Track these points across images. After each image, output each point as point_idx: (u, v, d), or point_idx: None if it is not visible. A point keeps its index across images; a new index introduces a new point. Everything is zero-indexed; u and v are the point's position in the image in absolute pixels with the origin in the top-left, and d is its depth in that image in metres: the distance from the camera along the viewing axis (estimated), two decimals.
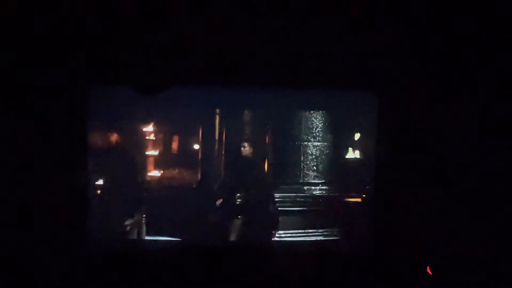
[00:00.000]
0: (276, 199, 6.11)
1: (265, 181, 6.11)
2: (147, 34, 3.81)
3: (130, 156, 5.40)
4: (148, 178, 6.25)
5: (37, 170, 3.76)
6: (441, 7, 3.75)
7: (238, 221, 5.36)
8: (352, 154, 6.41)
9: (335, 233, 5.88)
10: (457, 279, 3.71)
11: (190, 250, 4.14)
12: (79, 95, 3.87)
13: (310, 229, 6.02)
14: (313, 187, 6.52)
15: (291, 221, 6.07)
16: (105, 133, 5.13)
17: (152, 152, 6.32)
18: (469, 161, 3.82)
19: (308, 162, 6.55)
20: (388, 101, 4.01)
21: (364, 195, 5.87)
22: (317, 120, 6.56)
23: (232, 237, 5.31)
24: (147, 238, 5.42)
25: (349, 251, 4.36)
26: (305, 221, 6.11)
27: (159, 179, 6.30)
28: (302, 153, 6.55)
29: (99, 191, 5.02)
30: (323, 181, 6.54)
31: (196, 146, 6.56)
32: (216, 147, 6.64)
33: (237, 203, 5.53)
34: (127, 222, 5.11)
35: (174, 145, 6.60)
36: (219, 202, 5.55)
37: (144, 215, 5.47)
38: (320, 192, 6.50)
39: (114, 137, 5.25)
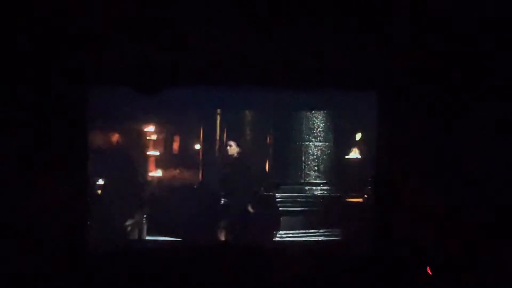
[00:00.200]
0: (277, 199, 6.13)
1: (251, 180, 6.04)
2: (147, 34, 3.82)
3: (131, 156, 5.41)
4: (149, 178, 6.27)
5: (38, 170, 3.76)
6: (441, 7, 3.75)
7: (236, 221, 5.37)
8: (353, 154, 6.42)
9: (335, 233, 5.88)
10: (457, 279, 3.71)
11: (190, 250, 4.14)
12: (79, 95, 3.88)
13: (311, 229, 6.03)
14: (314, 187, 6.52)
15: (292, 221, 6.08)
16: (105, 133, 5.15)
17: (152, 153, 6.34)
18: (469, 161, 3.81)
19: (309, 162, 6.55)
20: (388, 101, 4.01)
21: (365, 195, 5.89)
22: (318, 120, 6.56)
23: (232, 237, 5.32)
24: (147, 238, 5.45)
25: (349, 251, 4.35)
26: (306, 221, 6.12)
27: (159, 179, 6.32)
28: (303, 153, 6.55)
29: (100, 191, 5.04)
30: (324, 181, 6.54)
31: (197, 146, 6.57)
32: (217, 147, 6.66)
33: (223, 203, 5.51)
34: (128, 222, 5.13)
35: (175, 146, 6.62)
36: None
37: (145, 215, 5.49)
38: (321, 192, 6.50)
39: (114, 138, 5.26)
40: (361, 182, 5.99)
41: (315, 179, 6.52)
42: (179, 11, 3.80)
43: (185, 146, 6.62)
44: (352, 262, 4.08)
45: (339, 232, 5.88)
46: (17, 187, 3.72)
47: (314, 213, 6.18)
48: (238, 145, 5.90)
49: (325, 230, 5.97)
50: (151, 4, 3.79)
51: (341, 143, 6.56)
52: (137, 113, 5.85)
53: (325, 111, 6.47)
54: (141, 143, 6.19)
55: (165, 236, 5.26)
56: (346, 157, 6.76)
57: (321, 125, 6.54)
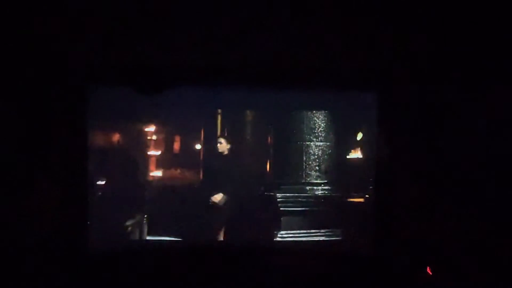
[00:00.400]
0: (278, 199, 6.12)
1: (247, 179, 5.98)
2: (147, 34, 3.82)
3: (131, 156, 5.41)
4: (149, 178, 6.26)
5: (37, 170, 3.77)
6: (442, 7, 3.75)
7: (236, 220, 5.34)
8: (353, 154, 6.41)
9: (336, 233, 5.87)
10: (457, 279, 3.71)
11: (190, 250, 4.14)
12: (79, 95, 3.89)
13: (312, 229, 6.02)
14: (314, 187, 6.52)
15: (293, 221, 6.08)
16: (105, 133, 5.15)
17: (153, 152, 6.33)
18: (469, 161, 3.81)
19: (310, 163, 6.55)
20: (388, 101, 4.00)
21: (366, 195, 5.87)
22: (319, 120, 6.56)
23: (231, 237, 5.30)
24: (148, 238, 5.44)
25: (349, 251, 4.35)
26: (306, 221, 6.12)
27: (160, 179, 6.31)
28: (304, 153, 6.55)
29: (100, 192, 5.03)
30: (325, 181, 6.54)
31: (198, 146, 6.56)
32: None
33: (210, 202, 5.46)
34: (128, 222, 5.13)
35: (176, 146, 6.61)
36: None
37: (145, 216, 5.48)
38: (322, 192, 6.50)
39: (114, 138, 5.26)
40: (361, 182, 5.98)
41: (316, 179, 6.53)
42: (179, 11, 3.80)
43: (186, 146, 6.61)
44: (352, 262, 4.08)
45: (340, 232, 5.87)
46: (17, 187, 3.73)
47: (315, 213, 6.17)
48: (228, 142, 5.83)
49: (326, 230, 5.96)
50: (151, 4, 3.79)
51: (341, 143, 6.55)
52: (137, 113, 5.84)
53: (325, 111, 6.48)
54: (141, 143, 6.18)
55: (165, 236, 5.25)
56: (347, 157, 6.75)
57: (321, 125, 6.55)
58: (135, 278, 3.91)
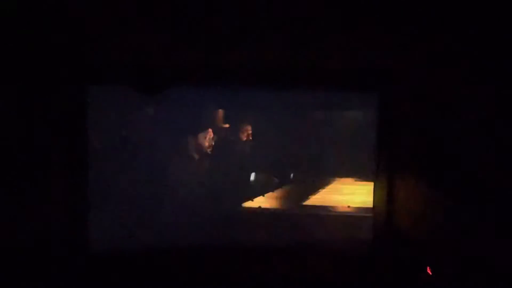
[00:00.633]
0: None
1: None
2: (147, 34, 3.82)
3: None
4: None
5: (37, 170, 3.77)
6: (442, 7, 3.75)
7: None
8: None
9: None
10: (457, 279, 3.71)
11: (190, 250, 4.14)
12: (79, 95, 3.89)
13: None
14: None
15: None
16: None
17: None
18: (470, 160, 3.81)
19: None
20: (388, 101, 4.00)
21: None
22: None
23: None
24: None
25: (349, 251, 4.35)
26: None
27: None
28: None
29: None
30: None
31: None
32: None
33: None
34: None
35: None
36: None
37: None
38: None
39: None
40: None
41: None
42: (179, 11, 3.80)
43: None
44: (352, 262, 4.08)
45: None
46: (17, 187, 3.73)
47: None
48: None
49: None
50: (151, 3, 3.79)
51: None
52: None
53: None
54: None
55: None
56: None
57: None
58: (135, 278, 3.91)
